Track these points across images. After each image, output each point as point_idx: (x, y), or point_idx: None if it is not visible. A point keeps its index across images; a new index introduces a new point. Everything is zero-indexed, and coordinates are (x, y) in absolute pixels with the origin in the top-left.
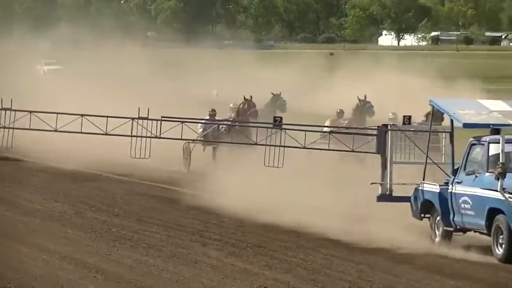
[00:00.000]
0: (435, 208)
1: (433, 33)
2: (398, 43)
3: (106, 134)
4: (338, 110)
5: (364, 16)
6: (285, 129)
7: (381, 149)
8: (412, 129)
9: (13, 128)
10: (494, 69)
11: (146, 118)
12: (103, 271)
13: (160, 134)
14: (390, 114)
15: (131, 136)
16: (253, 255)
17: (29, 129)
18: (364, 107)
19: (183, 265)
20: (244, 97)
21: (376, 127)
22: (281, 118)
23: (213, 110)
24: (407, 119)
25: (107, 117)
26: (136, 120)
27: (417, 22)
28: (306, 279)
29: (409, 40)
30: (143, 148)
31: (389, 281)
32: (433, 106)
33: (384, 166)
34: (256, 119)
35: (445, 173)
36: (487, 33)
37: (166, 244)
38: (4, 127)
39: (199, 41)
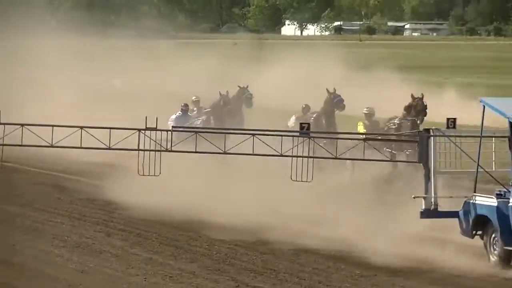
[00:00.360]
0: (492, 224)
1: (336, 23)
2: (301, 33)
3: (109, 148)
4: (304, 106)
5: (267, 6)
6: (314, 137)
7: (423, 158)
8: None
9: (2, 145)
10: (402, 58)
11: (155, 129)
12: (8, 262)
13: (171, 147)
14: (365, 109)
15: (138, 150)
16: (158, 245)
17: (22, 145)
18: (333, 100)
19: (88, 255)
20: (220, 93)
21: (417, 132)
22: (308, 125)
23: (186, 105)
24: (452, 122)
25: (110, 128)
26: (143, 131)
27: (320, 12)
28: (211, 268)
29: (312, 30)
30: (152, 163)
31: (294, 270)
32: (414, 99)
33: (427, 177)
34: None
35: (499, 183)
36: (390, 23)
37: (71, 234)
38: None
39: (104, 31)
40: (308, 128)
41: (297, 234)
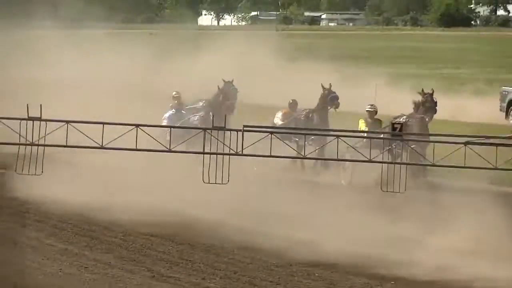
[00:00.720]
0: None
1: (253, 13)
2: (218, 23)
3: (170, 151)
4: (291, 101)
5: None
6: (407, 140)
7: None
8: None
9: (44, 145)
10: (323, 48)
11: (223, 129)
12: None
13: (242, 150)
14: (368, 107)
15: (203, 153)
16: (73, 236)
17: (66, 146)
18: (327, 97)
19: (3, 246)
20: (218, 87)
21: None
22: (401, 125)
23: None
24: None
25: (170, 127)
26: (210, 131)
27: (236, 1)
28: (126, 259)
29: (228, 20)
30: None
31: (210, 260)
32: (423, 95)
33: None
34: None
35: None
36: (306, 13)
37: None
38: (32, 144)
39: (26, 21)
40: (401, 129)
41: (230, 229)
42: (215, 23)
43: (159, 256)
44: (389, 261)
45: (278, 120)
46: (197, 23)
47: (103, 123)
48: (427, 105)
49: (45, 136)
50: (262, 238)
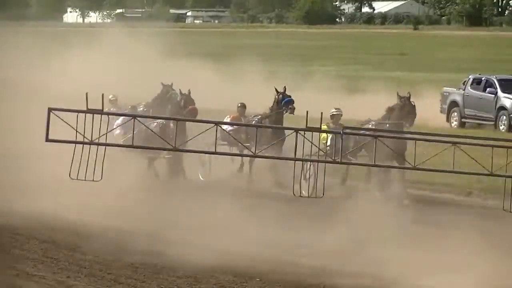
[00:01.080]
0: None
1: (118, 10)
2: (83, 21)
3: (255, 156)
4: (239, 104)
5: None
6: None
7: None
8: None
9: (105, 145)
10: (193, 46)
11: (319, 130)
12: None
13: (340, 157)
14: (334, 110)
15: (295, 159)
16: None
17: (133, 146)
18: (282, 101)
19: None
20: (180, 91)
21: None
22: None
23: (134, 108)
24: None
25: (257, 127)
26: (303, 133)
27: None
28: None
29: (94, 17)
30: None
31: (74, 258)
32: (400, 99)
33: None
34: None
35: None
36: (172, 10)
37: None
38: (92, 143)
39: None
40: None
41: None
42: (80, 20)
43: (23, 255)
44: (259, 260)
45: (227, 125)
46: (62, 20)
47: (177, 119)
48: (407, 109)
49: (106, 134)
50: (131, 238)
